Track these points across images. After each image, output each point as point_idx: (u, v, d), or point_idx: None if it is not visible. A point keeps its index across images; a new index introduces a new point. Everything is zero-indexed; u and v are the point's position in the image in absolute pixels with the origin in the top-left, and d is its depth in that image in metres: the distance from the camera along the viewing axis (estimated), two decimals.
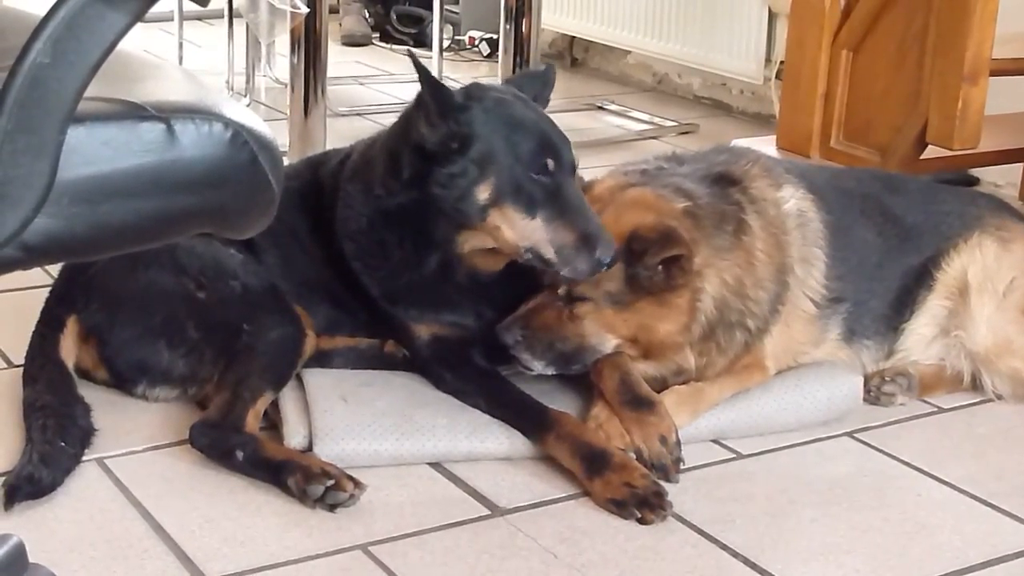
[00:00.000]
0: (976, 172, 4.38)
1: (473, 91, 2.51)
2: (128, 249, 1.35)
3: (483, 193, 2.43)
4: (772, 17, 5.05)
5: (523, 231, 2.43)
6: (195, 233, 1.39)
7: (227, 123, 1.34)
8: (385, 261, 2.60)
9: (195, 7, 6.27)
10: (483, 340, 2.60)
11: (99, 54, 1.23)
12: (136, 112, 1.31)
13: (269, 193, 1.38)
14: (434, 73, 5.15)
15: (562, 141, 2.50)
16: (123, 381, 2.62)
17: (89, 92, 1.26)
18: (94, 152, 1.27)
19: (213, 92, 1.43)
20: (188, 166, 1.32)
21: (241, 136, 1.35)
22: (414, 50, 5.25)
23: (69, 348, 2.59)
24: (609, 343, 2.54)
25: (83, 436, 2.43)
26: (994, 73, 3.35)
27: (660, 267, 2.47)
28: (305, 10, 3.74)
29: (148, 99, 1.35)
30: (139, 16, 1.24)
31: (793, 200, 2.73)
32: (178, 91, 1.44)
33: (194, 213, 1.35)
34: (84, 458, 2.41)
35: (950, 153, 3.44)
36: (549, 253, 2.42)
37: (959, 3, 3.25)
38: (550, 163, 2.44)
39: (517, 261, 2.49)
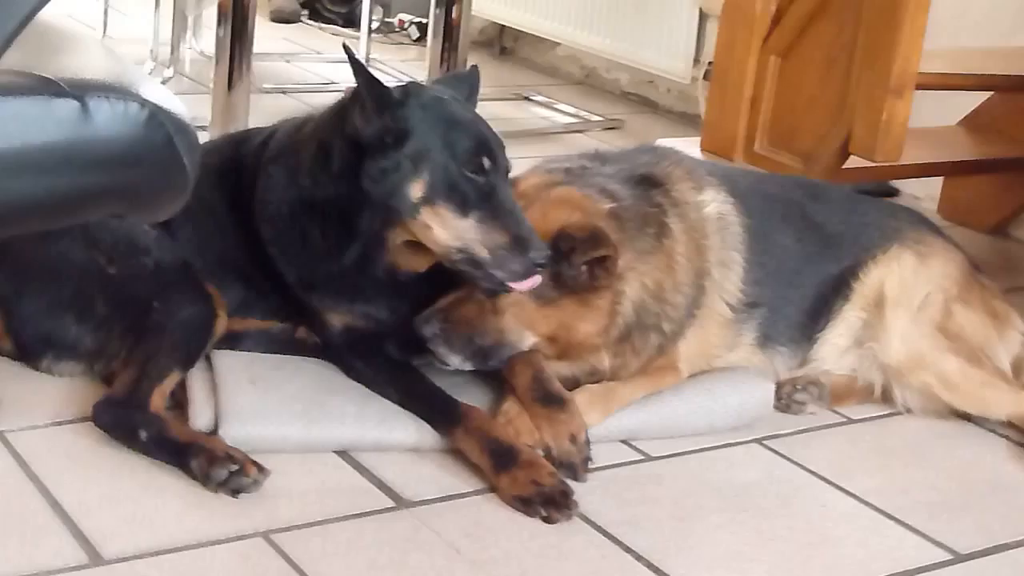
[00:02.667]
0: (896, 184, 4.41)
1: (411, 88, 2.50)
2: (36, 227, 1.33)
3: (416, 190, 2.41)
4: (703, 17, 5.05)
5: (455, 230, 2.40)
6: (106, 213, 1.36)
7: (143, 103, 1.32)
8: (303, 249, 2.56)
9: None
10: (396, 333, 2.58)
11: (13, 26, 1.19)
12: (50, 87, 1.28)
13: (183, 176, 1.35)
14: (361, 55, 5.17)
15: (498, 143, 2.48)
16: (28, 354, 2.57)
17: (4, 62, 1.22)
18: (3, 126, 1.24)
19: (132, 70, 1.41)
20: (101, 145, 1.29)
21: (157, 117, 1.32)
22: (347, 39, 5.24)
23: None
24: (527, 340, 2.53)
25: None
26: (920, 87, 3.36)
27: (584, 267, 2.46)
28: None
29: (64, 74, 1.32)
30: None
31: (714, 204, 2.73)
32: (96, 67, 1.41)
33: (106, 193, 1.32)
34: None
35: (873, 164, 3.45)
36: (483, 253, 2.39)
37: (888, 16, 3.25)
38: (486, 163, 2.42)
39: (445, 263, 2.46)
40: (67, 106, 1.27)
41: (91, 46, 1.52)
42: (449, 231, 2.41)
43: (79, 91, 1.29)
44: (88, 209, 1.34)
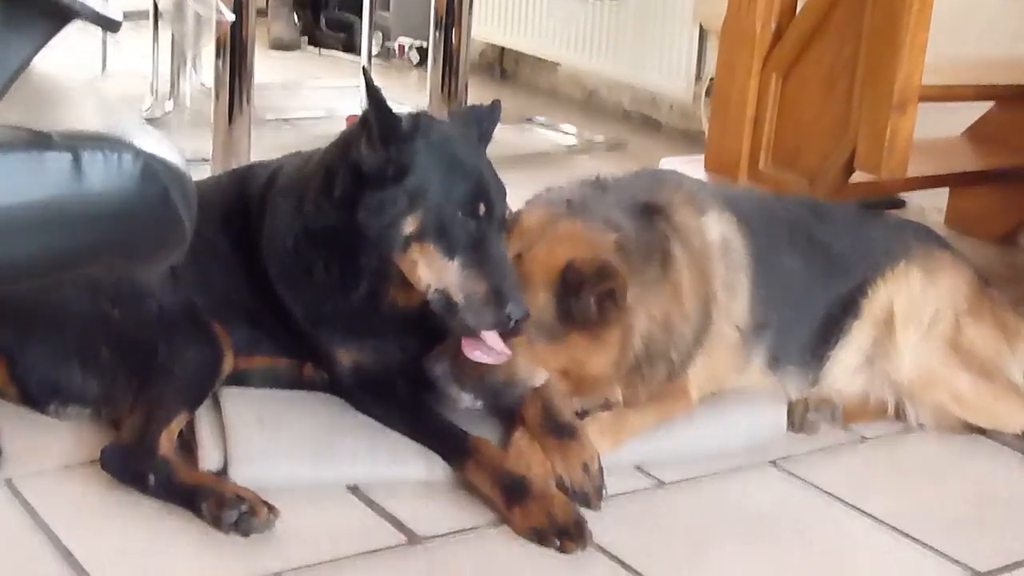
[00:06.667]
0: (903, 195, 4.39)
1: (421, 121, 2.45)
2: (31, 284, 1.30)
3: (408, 226, 2.39)
4: (703, 35, 5.04)
5: (438, 271, 2.39)
6: (103, 268, 1.34)
7: (137, 154, 1.29)
8: (310, 286, 2.54)
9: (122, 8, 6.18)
10: (405, 368, 2.56)
11: (2, 80, 1.18)
12: (42, 141, 1.26)
13: (180, 227, 1.34)
14: (360, 81, 5.14)
15: (498, 191, 2.46)
16: (34, 401, 2.55)
17: None
18: None
19: (126, 119, 1.39)
20: (95, 199, 1.27)
21: (152, 168, 1.30)
22: (347, 65, 5.23)
23: None
24: (539, 377, 2.51)
25: None
26: (923, 100, 3.35)
27: (592, 301, 2.44)
28: (231, 18, 3.68)
29: (58, 127, 1.30)
30: (45, 42, 1.19)
31: (717, 227, 2.71)
32: (90, 118, 1.39)
33: (101, 248, 1.30)
34: None
35: (878, 179, 3.43)
36: (458, 297, 2.38)
37: (889, 32, 3.24)
38: (481, 209, 2.40)
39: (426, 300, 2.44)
40: (60, 160, 1.25)
41: (85, 96, 1.51)
42: (432, 271, 2.40)
43: (72, 144, 1.27)
44: (84, 264, 1.32)
